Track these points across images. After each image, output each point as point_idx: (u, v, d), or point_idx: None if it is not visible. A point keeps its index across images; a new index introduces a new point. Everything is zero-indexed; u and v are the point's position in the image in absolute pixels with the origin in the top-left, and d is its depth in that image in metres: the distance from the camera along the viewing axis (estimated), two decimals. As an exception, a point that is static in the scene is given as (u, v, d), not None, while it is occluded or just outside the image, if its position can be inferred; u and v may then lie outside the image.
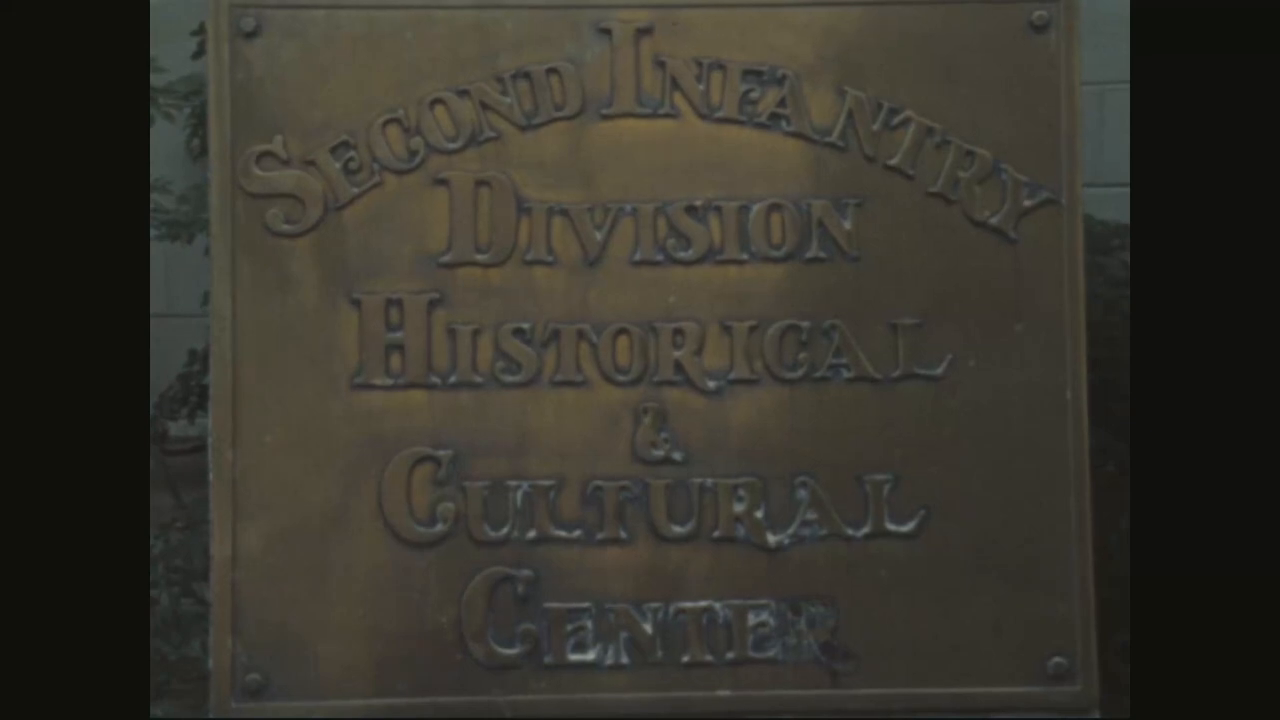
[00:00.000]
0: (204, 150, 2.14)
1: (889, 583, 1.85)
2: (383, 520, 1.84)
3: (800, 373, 1.87)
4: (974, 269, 1.87)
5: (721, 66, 1.87)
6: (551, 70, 1.87)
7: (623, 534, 1.85)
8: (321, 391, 1.84)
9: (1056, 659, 1.85)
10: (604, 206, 1.86)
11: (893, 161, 1.87)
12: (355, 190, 1.86)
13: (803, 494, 1.86)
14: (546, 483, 1.85)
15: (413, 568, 1.84)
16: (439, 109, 1.86)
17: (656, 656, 1.84)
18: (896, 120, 1.87)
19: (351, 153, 1.86)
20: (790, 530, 1.85)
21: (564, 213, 1.86)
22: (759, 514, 1.85)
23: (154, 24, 1.99)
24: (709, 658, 1.85)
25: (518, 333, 1.86)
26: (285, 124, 1.86)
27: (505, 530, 1.85)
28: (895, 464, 1.86)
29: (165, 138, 2.74)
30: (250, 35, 1.86)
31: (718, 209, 1.87)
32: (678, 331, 1.86)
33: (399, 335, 1.85)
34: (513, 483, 1.85)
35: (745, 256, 1.87)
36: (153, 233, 2.45)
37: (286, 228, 1.85)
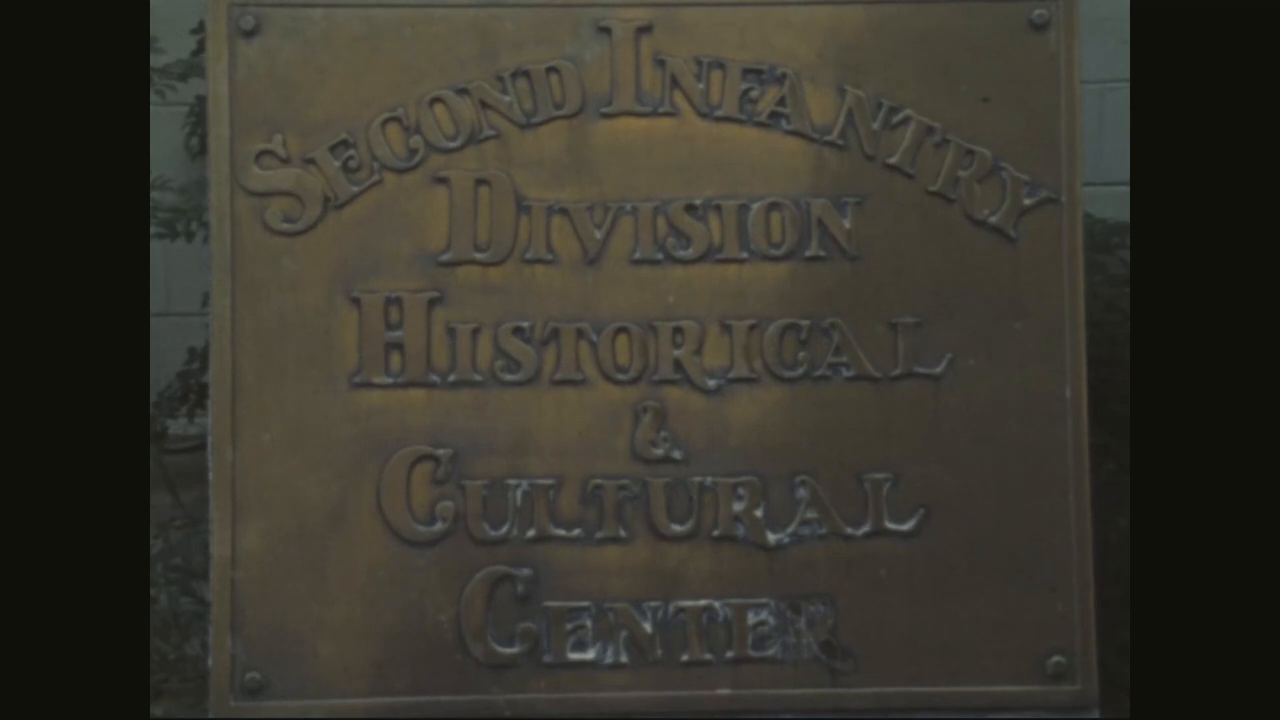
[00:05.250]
0: (203, 149, 2.14)
1: (888, 581, 1.85)
2: (382, 519, 1.84)
3: (800, 371, 1.87)
4: (974, 268, 1.87)
5: (721, 65, 1.87)
6: (551, 69, 1.87)
7: (622, 533, 1.85)
8: (321, 390, 1.84)
9: (1056, 658, 1.85)
10: (603, 205, 1.86)
11: (892, 160, 1.87)
12: (355, 189, 1.86)
13: (802, 493, 1.86)
14: (546, 481, 1.85)
15: (412, 566, 1.84)
16: (438, 107, 1.86)
17: (656, 655, 1.84)
18: (896, 119, 1.87)
19: (351, 151, 1.86)
20: (790, 529, 1.85)
21: (563, 211, 1.86)
22: (758, 513, 1.85)
23: (154, 22, 1.99)
24: (708, 656, 1.85)
25: (517, 331, 1.86)
26: (284, 122, 1.86)
27: (505, 529, 1.85)
28: (895, 463, 1.86)
29: (165, 136, 2.75)
30: (249, 34, 1.86)
31: (717, 208, 1.87)
32: (677, 330, 1.86)
33: (398, 334, 1.85)
34: (512, 481, 1.85)
35: (745, 255, 1.87)
36: (152, 231, 2.45)
37: (286, 226, 1.85)
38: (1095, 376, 1.89)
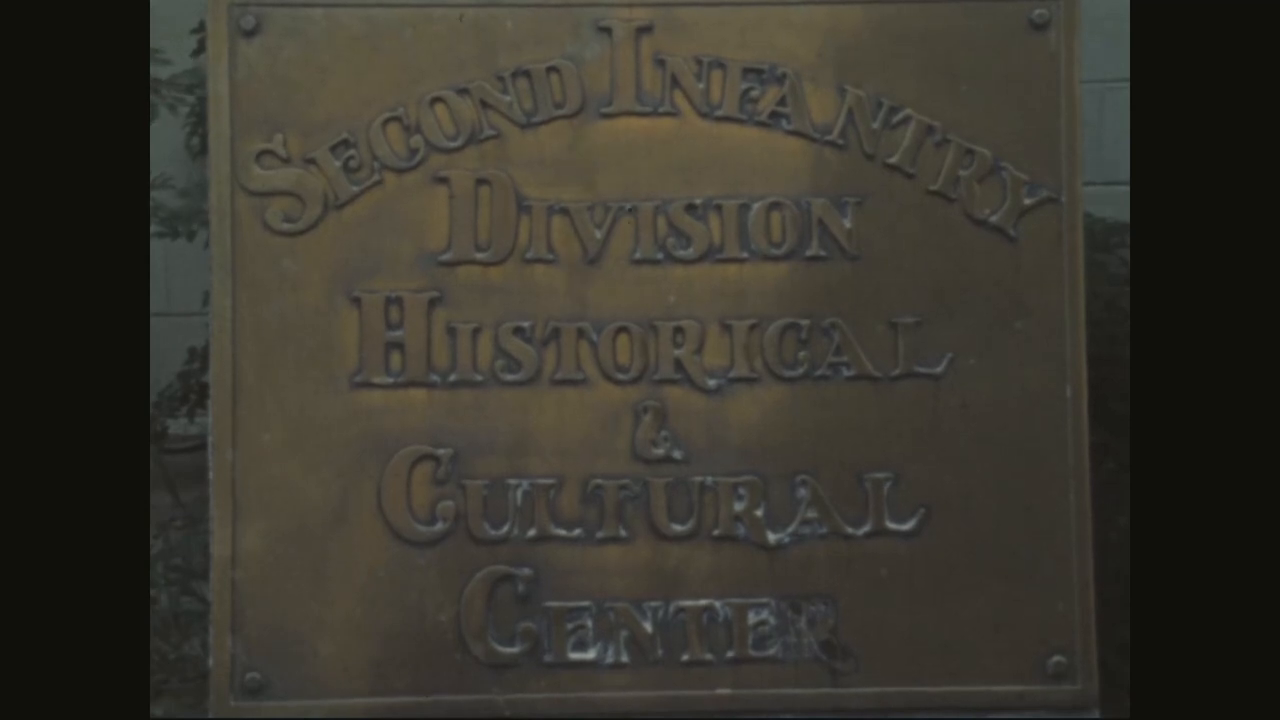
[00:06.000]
0: (204, 148, 2.14)
1: (889, 581, 1.85)
2: (383, 519, 1.84)
3: (800, 371, 1.87)
4: (974, 267, 1.87)
5: (721, 65, 1.87)
6: (551, 68, 1.87)
7: (623, 532, 1.85)
8: (321, 390, 1.84)
9: (1056, 657, 1.85)
10: (604, 205, 1.86)
11: (893, 160, 1.87)
12: (355, 189, 1.86)
13: (803, 492, 1.86)
14: (546, 481, 1.85)
15: (412, 566, 1.84)
16: (439, 107, 1.86)
17: (656, 655, 1.84)
18: (896, 118, 1.87)
19: (351, 151, 1.86)
20: (790, 529, 1.85)
21: (564, 211, 1.86)
22: (759, 512, 1.85)
23: (154, 22, 1.99)
24: (709, 656, 1.85)
25: (518, 331, 1.86)
26: (285, 122, 1.86)
27: (505, 529, 1.85)
28: (895, 462, 1.86)
29: (165, 136, 2.74)
30: (250, 34, 1.86)
31: (718, 207, 1.87)
32: (678, 330, 1.86)
33: (399, 334, 1.85)
34: (513, 481, 1.85)
35: (745, 255, 1.87)
36: (152, 230, 2.45)
37: (286, 226, 1.85)
38: (1095, 376, 1.89)
